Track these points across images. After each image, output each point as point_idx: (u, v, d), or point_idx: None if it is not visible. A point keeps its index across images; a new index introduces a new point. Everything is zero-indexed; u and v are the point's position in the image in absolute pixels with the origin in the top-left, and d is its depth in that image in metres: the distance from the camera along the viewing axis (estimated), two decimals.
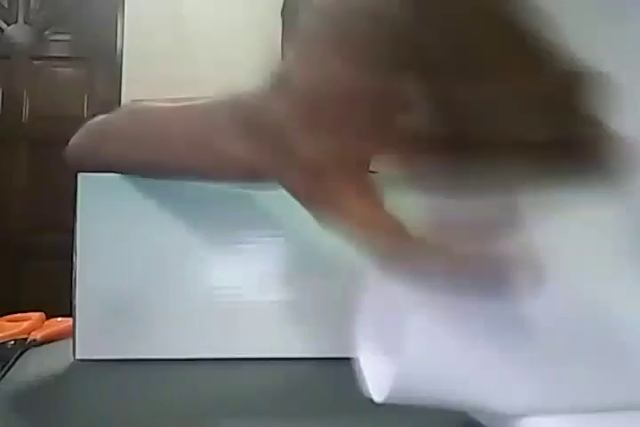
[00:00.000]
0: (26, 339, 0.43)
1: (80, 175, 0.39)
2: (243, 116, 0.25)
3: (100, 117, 0.42)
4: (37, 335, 0.44)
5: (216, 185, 0.40)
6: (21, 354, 0.40)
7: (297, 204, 0.40)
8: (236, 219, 0.40)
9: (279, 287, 0.39)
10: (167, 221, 0.39)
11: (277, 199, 0.40)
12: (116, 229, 0.39)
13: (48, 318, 0.49)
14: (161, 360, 0.38)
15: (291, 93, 0.22)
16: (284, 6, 0.76)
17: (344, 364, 0.38)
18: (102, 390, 0.33)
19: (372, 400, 0.24)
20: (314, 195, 0.23)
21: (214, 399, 0.31)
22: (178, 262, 0.39)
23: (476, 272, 0.20)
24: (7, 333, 0.42)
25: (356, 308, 0.25)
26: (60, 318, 0.49)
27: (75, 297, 0.38)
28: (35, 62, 2.54)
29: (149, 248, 0.39)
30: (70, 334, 0.39)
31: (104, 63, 2.55)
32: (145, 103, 0.38)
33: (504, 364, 0.22)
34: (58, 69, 2.57)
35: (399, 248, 0.21)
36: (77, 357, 0.38)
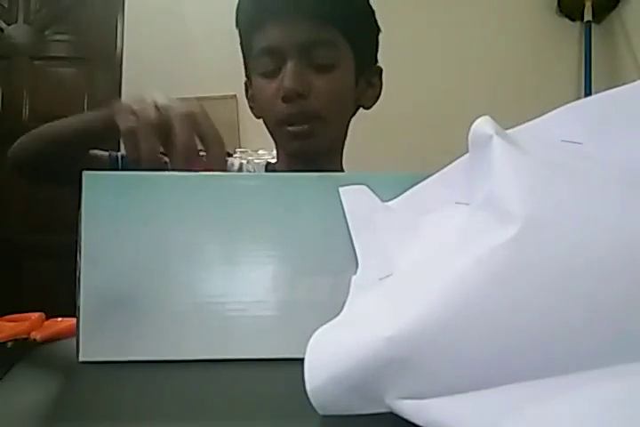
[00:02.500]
0: (26, 339, 0.43)
1: (84, 174, 0.39)
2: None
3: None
4: (37, 335, 0.44)
5: (219, 189, 0.40)
6: (21, 354, 0.40)
7: (297, 206, 0.41)
8: (238, 219, 0.40)
9: (279, 288, 0.39)
10: (172, 220, 0.39)
11: (278, 201, 0.40)
12: (120, 229, 0.39)
13: (48, 318, 0.49)
14: (164, 362, 0.38)
15: None
16: (237, 19, 0.78)
17: None
18: (103, 390, 0.33)
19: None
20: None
21: (216, 400, 0.31)
22: (182, 263, 0.39)
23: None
24: (7, 333, 0.42)
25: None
26: (60, 318, 0.49)
27: (78, 298, 0.38)
28: (35, 62, 2.54)
29: (153, 249, 0.39)
30: (70, 333, 0.39)
31: (104, 63, 2.55)
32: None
33: None
34: (58, 69, 2.56)
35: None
36: (81, 359, 0.38)
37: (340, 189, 0.39)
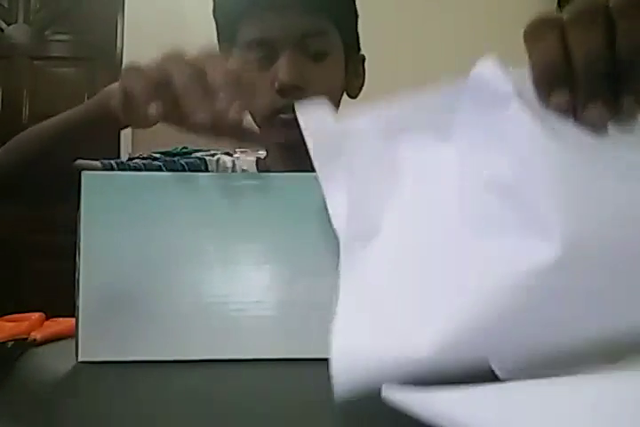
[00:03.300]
0: (26, 339, 0.43)
1: (84, 174, 0.39)
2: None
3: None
4: (37, 335, 0.44)
5: (218, 189, 0.40)
6: (21, 354, 0.40)
7: (295, 207, 0.40)
8: (238, 219, 0.40)
9: (279, 288, 0.39)
10: (171, 220, 0.39)
11: (278, 201, 0.40)
12: (119, 229, 0.39)
13: (48, 318, 0.49)
14: (163, 362, 0.38)
15: None
16: (214, 7, 0.77)
17: None
18: (103, 391, 0.33)
19: (372, 402, 0.25)
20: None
21: (216, 401, 0.31)
22: (182, 263, 0.39)
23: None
24: (7, 333, 0.42)
25: None
26: (60, 319, 0.49)
27: (78, 298, 0.38)
28: (35, 62, 2.54)
29: (152, 249, 0.39)
30: (70, 334, 0.39)
31: (104, 63, 2.55)
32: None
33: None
34: (58, 69, 2.56)
35: None
36: (80, 359, 0.38)
37: (297, 105, 0.35)
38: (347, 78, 0.77)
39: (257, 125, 0.76)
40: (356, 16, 0.79)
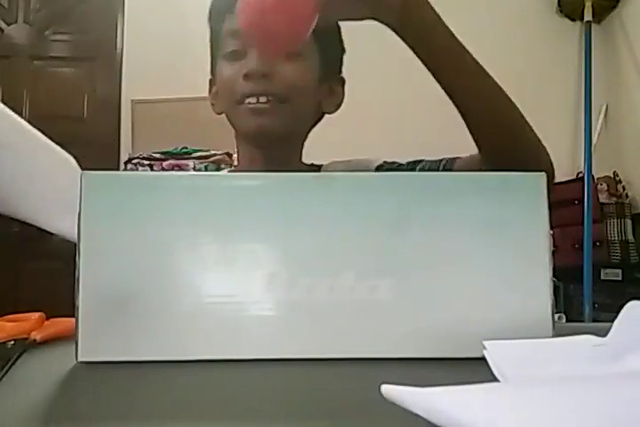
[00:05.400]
0: (26, 339, 0.43)
1: (84, 174, 0.39)
2: None
3: None
4: (37, 335, 0.44)
5: (218, 189, 0.40)
6: (21, 354, 0.40)
7: (296, 206, 0.41)
8: (237, 219, 0.40)
9: (278, 288, 0.39)
10: (170, 220, 0.39)
11: (277, 201, 0.40)
12: (120, 229, 0.39)
13: (48, 318, 0.49)
14: (162, 362, 0.38)
15: None
16: (210, 14, 0.82)
17: (344, 364, 0.38)
18: (103, 391, 0.33)
19: (372, 401, 0.25)
20: None
21: (216, 401, 0.31)
22: (181, 263, 0.39)
23: None
24: (7, 333, 0.42)
25: None
26: (60, 319, 0.49)
27: (78, 298, 0.38)
28: (35, 62, 2.54)
29: (152, 249, 0.39)
30: (70, 334, 0.39)
31: (104, 63, 2.55)
32: None
33: None
34: (58, 69, 2.57)
35: None
36: (80, 359, 0.38)
37: None
38: (321, 93, 0.80)
39: (227, 117, 0.79)
40: (341, 48, 0.83)
